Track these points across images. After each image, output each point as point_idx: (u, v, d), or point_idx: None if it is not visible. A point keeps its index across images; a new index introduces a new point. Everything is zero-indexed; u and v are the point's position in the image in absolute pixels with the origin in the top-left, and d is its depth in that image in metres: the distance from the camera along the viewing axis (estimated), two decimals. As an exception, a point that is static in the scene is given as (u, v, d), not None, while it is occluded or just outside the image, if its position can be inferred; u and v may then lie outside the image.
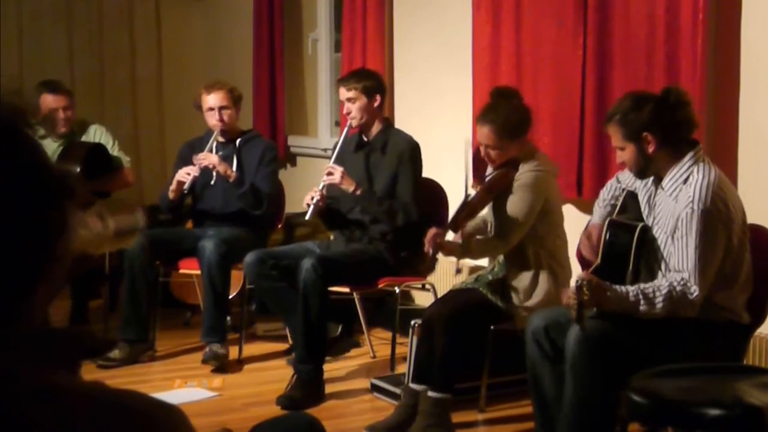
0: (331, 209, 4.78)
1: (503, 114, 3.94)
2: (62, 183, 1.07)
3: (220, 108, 5.15)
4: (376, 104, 4.68)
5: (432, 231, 3.91)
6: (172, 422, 1.05)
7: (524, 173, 3.95)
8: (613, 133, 3.29)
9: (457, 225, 3.96)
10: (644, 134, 3.21)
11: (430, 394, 3.89)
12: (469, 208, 3.95)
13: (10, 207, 1.02)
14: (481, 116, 4.00)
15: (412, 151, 4.65)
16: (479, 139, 4.02)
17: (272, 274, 4.55)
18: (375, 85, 4.70)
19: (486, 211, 4.11)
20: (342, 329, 4.59)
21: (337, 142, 4.84)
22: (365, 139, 4.76)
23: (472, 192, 3.98)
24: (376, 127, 4.73)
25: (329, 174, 4.58)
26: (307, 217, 4.64)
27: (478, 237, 4.08)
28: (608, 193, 3.61)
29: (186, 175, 5.03)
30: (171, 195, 5.10)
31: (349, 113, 4.68)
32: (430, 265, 3.97)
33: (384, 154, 4.67)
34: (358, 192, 4.57)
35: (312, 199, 4.57)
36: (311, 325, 4.37)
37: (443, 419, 3.90)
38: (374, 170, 4.69)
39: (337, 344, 4.55)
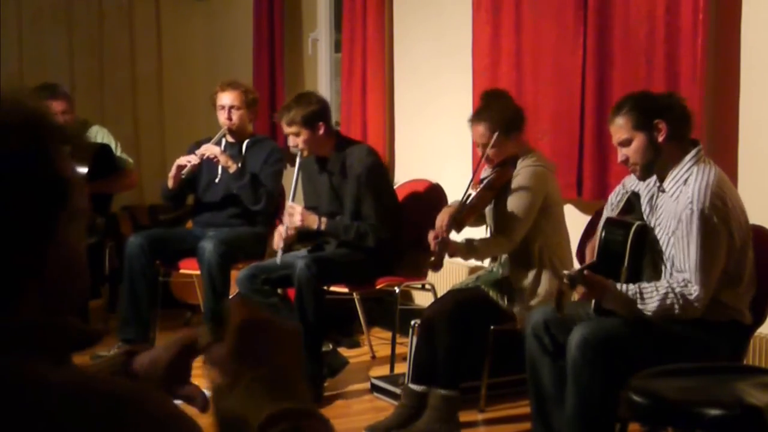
0: (310, 232, 4.71)
1: (496, 111, 3.96)
2: (53, 192, 1.09)
3: (231, 107, 5.17)
4: (320, 132, 4.55)
5: (432, 233, 3.89)
6: (161, 405, 1.06)
7: (522, 169, 3.96)
8: (621, 125, 3.25)
9: (459, 224, 3.95)
10: (656, 121, 3.21)
11: (439, 391, 3.90)
12: (469, 206, 3.95)
13: None
14: (474, 116, 4.02)
15: (368, 174, 4.54)
16: (475, 138, 4.02)
17: (264, 289, 4.53)
18: (314, 112, 4.54)
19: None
20: (333, 346, 4.58)
21: (294, 176, 4.72)
22: (324, 158, 4.67)
23: (472, 192, 3.98)
24: (329, 148, 4.64)
25: (290, 215, 4.55)
26: (278, 262, 4.57)
27: (482, 237, 4.07)
28: (616, 198, 3.58)
29: (186, 161, 5.05)
30: (170, 183, 5.10)
31: (296, 146, 4.58)
32: (436, 263, 3.91)
33: (344, 178, 4.60)
34: (323, 227, 4.56)
35: (280, 245, 4.55)
36: (308, 325, 4.37)
37: (450, 416, 3.92)
38: (339, 192, 4.65)
39: (330, 362, 4.53)
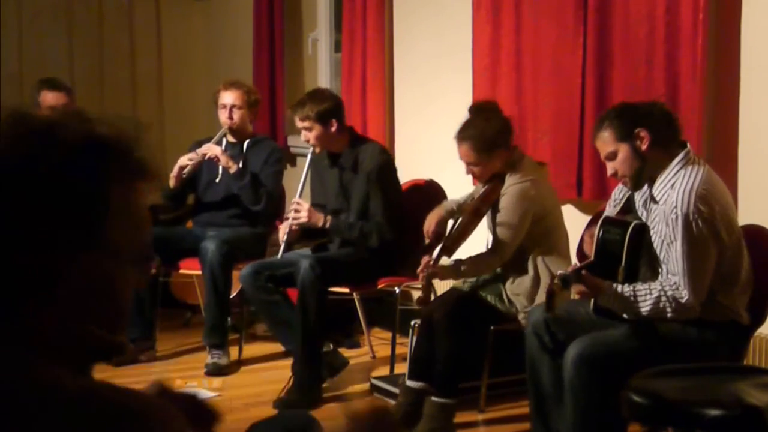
0: (314, 229, 4.72)
1: (479, 129, 3.93)
2: (78, 215, 1.10)
3: (232, 107, 5.19)
4: (333, 129, 4.58)
5: (424, 260, 3.88)
6: (168, 422, 1.06)
7: (509, 188, 3.93)
8: (605, 139, 3.24)
9: (450, 250, 3.94)
10: (637, 130, 3.19)
11: (434, 399, 3.89)
12: (459, 230, 3.94)
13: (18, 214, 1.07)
14: (459, 134, 3.98)
15: (379, 172, 4.57)
16: (460, 157, 4.00)
17: (268, 287, 4.53)
18: (328, 109, 4.56)
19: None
20: (333, 346, 4.59)
21: (305, 171, 4.77)
22: (336, 153, 4.69)
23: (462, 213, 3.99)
24: (342, 145, 4.66)
25: (296, 212, 4.57)
26: (279, 256, 4.61)
27: (470, 256, 4.05)
28: (619, 194, 3.55)
29: (187, 161, 5.07)
30: (171, 182, 5.11)
31: (307, 140, 4.63)
32: (426, 296, 3.89)
33: (355, 173, 4.62)
34: (328, 225, 4.57)
35: (284, 236, 4.57)
36: (309, 326, 4.37)
37: (446, 424, 3.91)
38: (348, 188, 4.67)
39: (330, 362, 4.53)
